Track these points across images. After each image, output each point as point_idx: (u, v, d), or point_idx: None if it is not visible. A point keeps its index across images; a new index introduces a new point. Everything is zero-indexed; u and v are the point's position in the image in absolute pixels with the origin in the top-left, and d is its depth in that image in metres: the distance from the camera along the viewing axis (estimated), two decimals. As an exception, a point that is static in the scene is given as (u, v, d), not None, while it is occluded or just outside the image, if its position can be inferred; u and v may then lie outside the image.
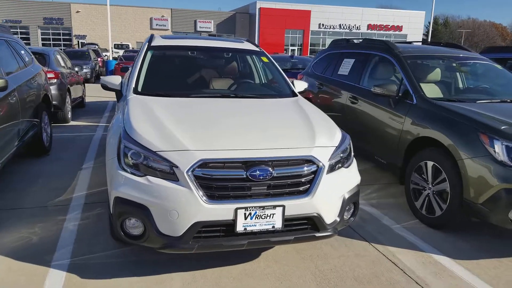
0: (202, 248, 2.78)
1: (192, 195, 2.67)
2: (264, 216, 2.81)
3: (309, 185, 2.92)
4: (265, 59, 4.78)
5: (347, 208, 3.14)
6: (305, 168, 2.92)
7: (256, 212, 2.78)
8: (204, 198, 2.70)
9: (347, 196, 3.10)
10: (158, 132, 2.95)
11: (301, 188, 2.90)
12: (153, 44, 4.57)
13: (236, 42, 5.06)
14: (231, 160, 2.78)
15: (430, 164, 4.07)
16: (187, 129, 3.03)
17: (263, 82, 4.75)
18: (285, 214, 2.84)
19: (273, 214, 2.82)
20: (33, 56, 6.63)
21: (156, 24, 47.77)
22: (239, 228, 2.78)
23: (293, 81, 4.58)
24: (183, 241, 2.73)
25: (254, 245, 2.88)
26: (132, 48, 39.08)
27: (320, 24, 50.68)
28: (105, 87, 4.22)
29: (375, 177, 5.53)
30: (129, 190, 2.75)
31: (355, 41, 6.49)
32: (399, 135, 4.57)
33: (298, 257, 3.43)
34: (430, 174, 4.08)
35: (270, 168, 2.80)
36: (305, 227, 2.99)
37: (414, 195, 4.32)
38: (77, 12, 45.25)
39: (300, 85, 4.59)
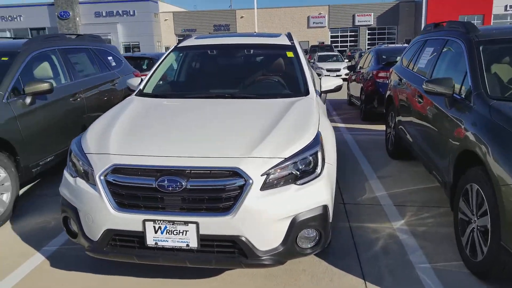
0: (118, 257, 2.69)
1: (102, 201, 2.59)
2: (176, 232, 2.52)
3: (232, 202, 2.46)
4: (290, 54, 4.22)
5: (302, 235, 2.59)
6: (228, 182, 2.48)
7: (166, 227, 2.52)
8: (114, 205, 2.58)
9: (300, 219, 2.53)
10: (101, 135, 2.98)
11: (221, 205, 2.49)
12: (180, 45, 4.52)
13: (271, 37, 4.63)
14: (142, 167, 2.60)
15: (475, 188, 2.97)
16: (129, 133, 2.97)
17: (287, 79, 4.20)
18: (200, 233, 2.48)
19: (185, 230, 2.51)
20: (124, 62, 7.24)
21: (313, 23, 48.19)
22: (150, 241, 2.57)
23: (320, 78, 3.94)
24: (100, 246, 2.68)
25: (169, 262, 2.62)
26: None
27: (507, 5, 43.14)
28: (128, 89, 4.30)
29: (433, 198, 4.38)
30: (65, 190, 2.87)
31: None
32: (450, 146, 3.47)
33: (262, 283, 2.90)
34: (475, 202, 2.98)
35: (182, 179, 2.48)
36: (231, 251, 2.54)
37: (461, 228, 3.22)
38: (241, 17, 48.79)
39: (328, 83, 3.92)
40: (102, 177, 2.62)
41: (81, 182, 2.73)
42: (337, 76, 18.09)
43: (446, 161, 3.53)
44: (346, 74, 16.37)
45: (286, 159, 2.62)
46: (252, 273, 3.02)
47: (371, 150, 6.31)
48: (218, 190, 2.50)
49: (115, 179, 2.61)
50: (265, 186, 2.53)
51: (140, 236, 2.58)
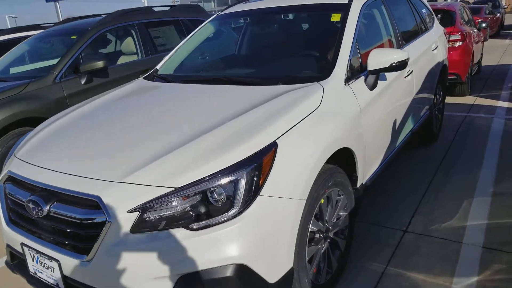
0: (21, 275, 2.24)
1: (0, 212, 2.25)
2: (46, 266, 1.97)
3: (92, 243, 1.77)
4: (335, 17, 2.98)
5: None
6: (86, 216, 1.80)
7: (38, 257, 2.01)
8: (6, 218, 2.20)
9: (192, 281, 1.72)
10: (37, 132, 2.56)
11: (81, 244, 1.83)
12: (222, 13, 3.76)
13: None
14: (23, 179, 2.10)
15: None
16: (55, 134, 2.46)
17: (313, 56, 2.99)
18: (64, 274, 1.89)
19: (52, 267, 1.94)
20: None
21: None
22: (31, 268, 2.09)
23: (375, 51, 2.69)
24: (8, 262, 2.31)
25: None
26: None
27: None
28: None
29: None
30: None
31: None
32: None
33: None
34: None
35: (45, 202, 1.91)
36: None
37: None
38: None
39: (380, 59, 2.65)
40: (1, 184, 2.25)
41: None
42: None
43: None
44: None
45: (177, 190, 1.73)
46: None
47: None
48: (77, 224, 1.82)
49: (7, 188, 2.19)
50: (139, 227, 1.72)
51: (24, 260, 2.12)
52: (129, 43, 5.30)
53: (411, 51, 3.56)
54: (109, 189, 1.78)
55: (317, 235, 2.22)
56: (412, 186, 3.64)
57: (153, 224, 1.73)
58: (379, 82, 2.83)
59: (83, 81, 4.42)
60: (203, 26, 3.71)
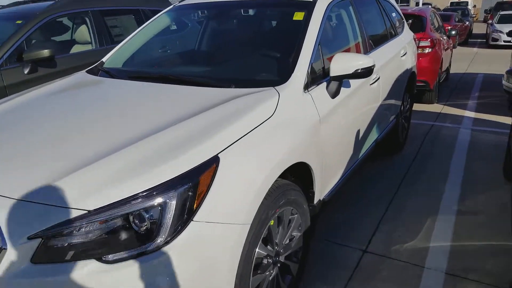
0: None
1: None
2: None
3: None
4: (298, 16, 2.73)
5: None
6: None
7: None
8: None
9: None
10: None
11: None
12: (179, 4, 3.44)
13: None
14: None
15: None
16: None
17: (272, 57, 2.73)
18: None
19: None
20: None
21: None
22: None
23: (341, 55, 2.45)
24: None
25: None
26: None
27: None
28: None
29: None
30: None
31: None
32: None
33: None
34: None
35: None
36: None
37: None
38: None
39: (342, 64, 2.40)
40: None
41: None
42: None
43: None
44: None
45: (90, 213, 1.44)
46: None
47: (483, 160, 4.24)
48: None
49: None
50: (43, 256, 1.42)
51: None
52: (83, 32, 4.89)
53: (379, 56, 3.36)
54: (7, 209, 1.46)
55: (265, 261, 1.96)
56: (374, 201, 3.45)
57: (59, 254, 1.42)
58: (342, 89, 2.60)
59: (26, 71, 4.00)
60: (157, 17, 3.38)
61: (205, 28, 3.41)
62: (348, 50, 3.02)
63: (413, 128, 5.30)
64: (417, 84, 5.24)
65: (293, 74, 2.30)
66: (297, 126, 2.13)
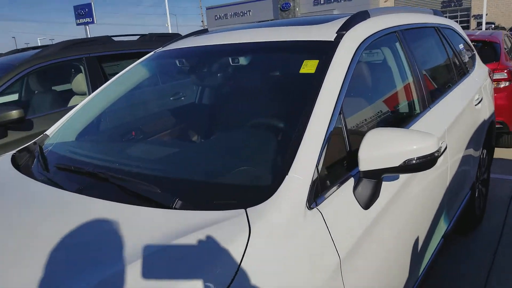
0: None
1: None
2: None
3: None
4: (309, 67, 1.70)
5: None
6: None
7: None
8: None
9: None
10: None
11: None
12: (160, 50, 2.57)
13: (309, 25, 2.08)
14: None
15: None
16: None
17: (268, 139, 1.70)
18: None
19: None
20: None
21: None
22: None
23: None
24: None
25: None
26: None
27: None
28: None
29: None
30: None
31: None
32: None
33: None
34: None
35: None
36: None
37: None
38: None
39: (380, 150, 1.36)
40: None
41: None
42: None
43: None
44: None
45: None
46: None
47: None
48: None
49: None
50: None
51: None
52: (79, 81, 4.19)
53: (444, 114, 2.25)
54: None
55: None
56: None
57: None
58: (384, 186, 1.53)
59: (-6, 132, 3.30)
60: (129, 69, 2.51)
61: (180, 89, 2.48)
62: (393, 114, 1.94)
63: (491, 186, 4.01)
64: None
65: (286, 178, 1.28)
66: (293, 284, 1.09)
